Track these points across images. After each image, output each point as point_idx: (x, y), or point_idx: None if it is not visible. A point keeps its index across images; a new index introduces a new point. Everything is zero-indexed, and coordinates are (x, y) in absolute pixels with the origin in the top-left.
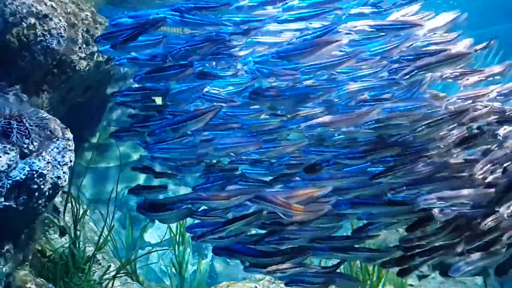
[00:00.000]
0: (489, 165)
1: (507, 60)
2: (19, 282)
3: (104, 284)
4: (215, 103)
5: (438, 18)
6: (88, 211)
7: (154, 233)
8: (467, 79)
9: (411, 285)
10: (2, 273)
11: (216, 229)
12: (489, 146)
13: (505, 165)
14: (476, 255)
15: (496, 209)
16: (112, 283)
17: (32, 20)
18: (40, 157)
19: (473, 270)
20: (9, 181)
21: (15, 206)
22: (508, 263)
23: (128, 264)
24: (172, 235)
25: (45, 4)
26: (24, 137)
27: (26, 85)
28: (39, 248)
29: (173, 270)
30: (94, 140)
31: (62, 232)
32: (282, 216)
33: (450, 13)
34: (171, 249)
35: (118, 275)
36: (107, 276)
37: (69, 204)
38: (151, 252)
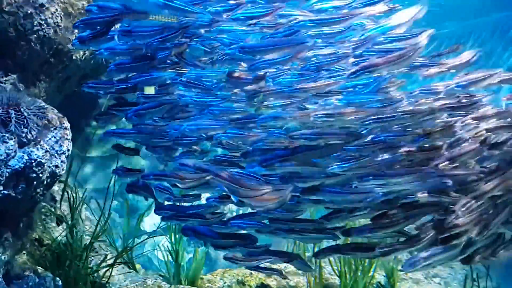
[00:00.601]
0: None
1: None
2: (17, 270)
3: (101, 272)
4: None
5: (401, 13)
6: (85, 200)
7: (151, 221)
8: (427, 71)
9: (402, 270)
10: (1, 261)
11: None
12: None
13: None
14: (433, 249)
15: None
16: (110, 272)
17: (29, 10)
18: (38, 146)
19: (429, 264)
20: (8, 170)
21: (14, 194)
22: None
23: (125, 253)
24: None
25: None
26: (22, 126)
27: (23, 74)
28: (37, 236)
29: (170, 257)
30: (90, 130)
31: (59, 221)
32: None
33: (413, 8)
34: (168, 237)
35: (115, 264)
36: (104, 264)
37: (66, 193)
38: (148, 239)
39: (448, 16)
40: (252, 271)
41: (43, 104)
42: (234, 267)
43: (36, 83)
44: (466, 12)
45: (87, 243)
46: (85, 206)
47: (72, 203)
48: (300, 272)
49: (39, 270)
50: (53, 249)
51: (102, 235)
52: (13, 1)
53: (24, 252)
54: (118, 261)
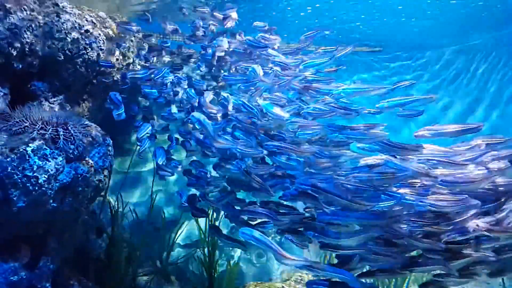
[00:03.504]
0: None
1: None
2: (64, 279)
3: (139, 284)
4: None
5: None
6: (124, 213)
7: (184, 234)
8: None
9: None
10: (49, 270)
11: None
12: None
13: None
14: None
15: None
16: (150, 283)
17: (76, 35)
18: (84, 162)
19: None
20: (57, 184)
21: (61, 207)
22: None
23: (166, 267)
24: (202, 236)
25: (87, 20)
26: (69, 143)
27: (69, 94)
28: (79, 247)
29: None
30: (127, 145)
31: (99, 233)
32: None
33: None
34: (201, 250)
35: (152, 275)
36: (141, 275)
37: (107, 206)
38: (183, 250)
39: (476, 27)
40: (284, 284)
41: (87, 122)
42: (265, 280)
43: (80, 103)
44: (496, 22)
45: (127, 254)
46: (122, 219)
47: (112, 215)
48: None
49: (83, 280)
50: (94, 260)
51: (141, 247)
52: (62, 28)
53: (69, 262)
54: (155, 272)
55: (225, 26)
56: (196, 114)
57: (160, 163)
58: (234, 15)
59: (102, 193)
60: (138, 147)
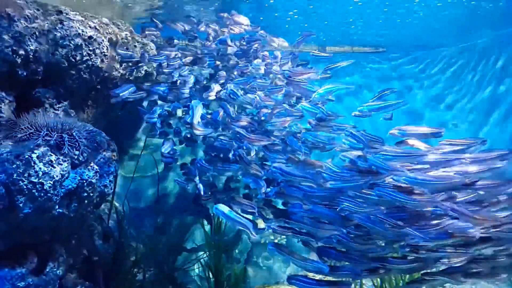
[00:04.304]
0: None
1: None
2: (70, 285)
3: None
4: None
5: None
6: (129, 218)
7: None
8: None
9: None
10: (56, 276)
11: None
12: None
13: None
14: None
15: None
16: None
17: (79, 42)
18: (89, 167)
19: None
20: (62, 190)
21: (67, 213)
22: None
23: (173, 272)
24: (208, 239)
25: (90, 27)
26: (74, 149)
27: (73, 100)
28: (86, 253)
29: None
30: (132, 151)
31: (105, 238)
32: None
33: None
34: (207, 254)
35: (159, 280)
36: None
37: (112, 211)
38: (191, 255)
39: (482, 25)
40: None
41: (92, 128)
42: (272, 283)
43: (84, 109)
44: (502, 21)
45: (133, 259)
46: (127, 224)
47: (119, 220)
48: None
49: (89, 285)
50: (101, 265)
51: (148, 252)
52: (65, 35)
53: (75, 267)
54: (162, 277)
55: (234, 33)
56: (194, 102)
57: (166, 152)
58: (243, 20)
59: (108, 198)
60: (143, 152)
